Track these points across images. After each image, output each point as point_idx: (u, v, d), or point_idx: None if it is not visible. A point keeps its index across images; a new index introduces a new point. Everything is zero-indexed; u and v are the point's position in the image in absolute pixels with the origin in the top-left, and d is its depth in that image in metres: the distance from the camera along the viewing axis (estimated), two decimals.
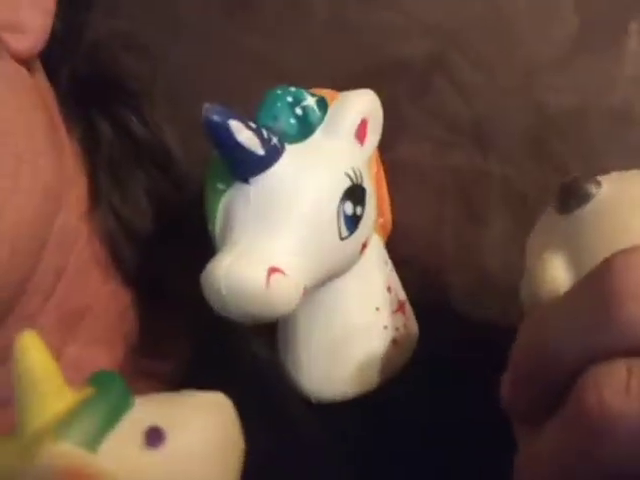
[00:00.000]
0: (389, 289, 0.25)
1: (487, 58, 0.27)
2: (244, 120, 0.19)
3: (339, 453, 0.24)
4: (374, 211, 0.23)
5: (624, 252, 0.15)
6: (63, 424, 0.13)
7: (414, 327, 0.25)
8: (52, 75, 0.29)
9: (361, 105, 0.23)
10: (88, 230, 0.27)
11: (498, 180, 0.26)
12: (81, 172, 0.28)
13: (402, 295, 0.26)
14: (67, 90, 0.29)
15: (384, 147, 0.28)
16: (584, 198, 0.18)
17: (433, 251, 0.29)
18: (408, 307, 0.26)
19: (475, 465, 0.23)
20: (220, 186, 0.21)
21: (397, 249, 0.28)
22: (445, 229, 0.28)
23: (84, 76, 0.30)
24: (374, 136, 0.24)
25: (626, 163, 0.27)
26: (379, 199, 0.26)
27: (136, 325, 0.27)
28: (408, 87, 0.27)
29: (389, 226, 0.27)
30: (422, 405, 0.25)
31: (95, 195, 0.28)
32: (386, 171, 0.28)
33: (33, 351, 0.14)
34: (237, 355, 0.26)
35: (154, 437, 0.13)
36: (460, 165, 0.27)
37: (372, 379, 0.23)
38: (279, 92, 0.22)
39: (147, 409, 0.14)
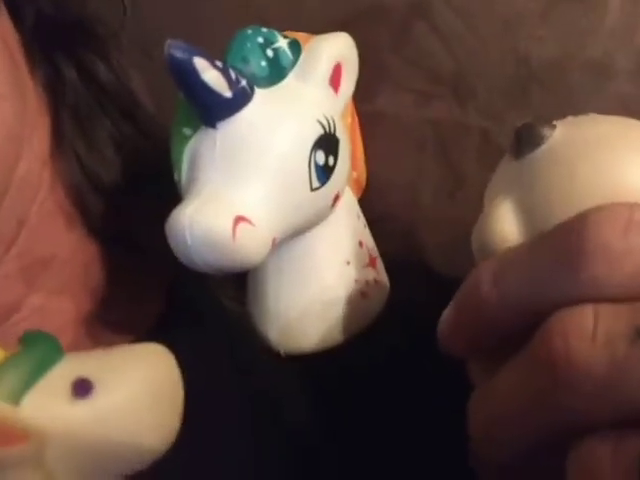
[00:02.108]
0: (360, 244, 0.24)
1: (468, 5, 0.26)
2: (210, 59, 0.18)
3: (306, 406, 0.24)
4: (348, 163, 0.23)
5: (596, 210, 0.14)
6: None
7: (385, 282, 0.25)
8: (16, 16, 0.27)
9: (335, 49, 0.22)
10: (51, 178, 0.26)
11: (477, 133, 0.25)
12: (44, 116, 0.27)
13: (374, 251, 0.25)
14: (32, 32, 0.28)
15: (364, 98, 0.27)
16: (536, 141, 0.17)
17: (410, 207, 0.28)
18: (380, 263, 0.25)
19: (447, 414, 0.23)
20: (186, 131, 0.20)
21: (374, 205, 0.27)
22: (424, 183, 0.28)
23: (50, 18, 0.29)
24: (349, 83, 0.23)
25: (606, 114, 0.27)
26: (353, 152, 0.25)
27: (103, 276, 0.26)
28: (389, 34, 0.26)
29: (363, 181, 0.26)
30: (389, 360, 0.25)
31: (58, 141, 0.27)
32: (365, 123, 0.27)
33: None
34: (207, 307, 0.26)
35: (81, 388, 0.13)
36: (440, 117, 0.26)
37: (340, 332, 0.23)
38: (249, 32, 0.21)
39: (78, 363, 0.14)
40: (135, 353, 0.15)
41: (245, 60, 0.20)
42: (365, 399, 0.24)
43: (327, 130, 0.21)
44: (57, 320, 0.25)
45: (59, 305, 0.25)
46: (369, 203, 0.27)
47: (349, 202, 0.24)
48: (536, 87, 0.25)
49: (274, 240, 0.19)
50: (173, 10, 0.29)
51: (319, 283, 0.23)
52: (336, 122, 0.21)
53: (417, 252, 0.28)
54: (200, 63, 0.18)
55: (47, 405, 0.13)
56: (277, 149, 0.19)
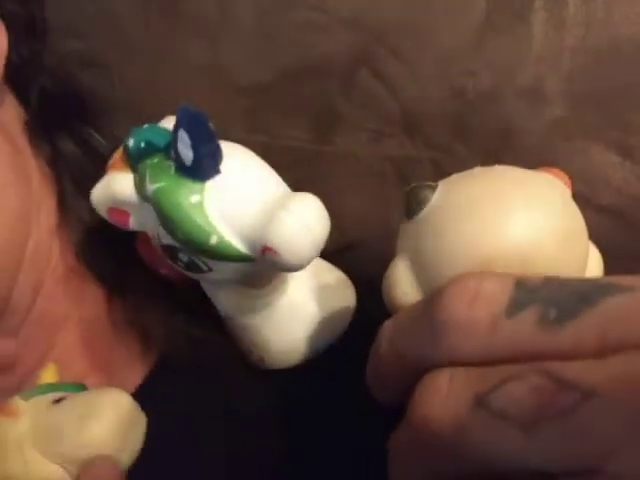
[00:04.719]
0: None
1: (405, 50, 0.27)
2: None
3: (288, 420, 0.26)
4: None
5: (451, 282, 0.16)
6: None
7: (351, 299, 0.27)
8: (23, 98, 0.31)
9: None
10: (61, 245, 0.29)
11: (429, 165, 0.27)
12: (49, 190, 0.30)
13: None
14: (36, 111, 0.31)
15: (324, 140, 0.29)
16: (419, 203, 0.19)
17: (382, 235, 0.30)
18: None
19: None
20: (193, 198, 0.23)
21: (345, 235, 0.29)
22: (391, 212, 0.30)
23: (51, 96, 0.32)
24: None
25: (545, 138, 0.27)
26: None
27: (110, 330, 0.30)
28: (336, 81, 0.28)
29: None
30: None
31: (64, 210, 0.30)
32: (328, 163, 0.29)
33: None
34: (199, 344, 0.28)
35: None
36: (394, 153, 0.28)
37: (315, 346, 0.26)
38: None
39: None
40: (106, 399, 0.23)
41: None
42: (336, 409, 0.26)
43: None
44: (73, 373, 0.29)
45: (74, 359, 0.29)
46: (340, 235, 0.29)
47: None
48: (474, 118, 0.27)
49: None
50: (152, 82, 0.32)
51: (292, 309, 0.26)
52: None
53: None
54: None
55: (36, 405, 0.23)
56: None
